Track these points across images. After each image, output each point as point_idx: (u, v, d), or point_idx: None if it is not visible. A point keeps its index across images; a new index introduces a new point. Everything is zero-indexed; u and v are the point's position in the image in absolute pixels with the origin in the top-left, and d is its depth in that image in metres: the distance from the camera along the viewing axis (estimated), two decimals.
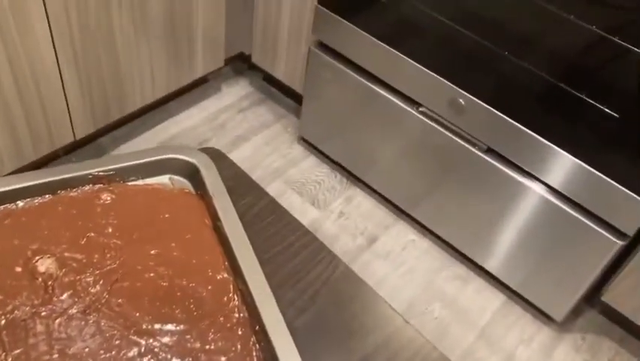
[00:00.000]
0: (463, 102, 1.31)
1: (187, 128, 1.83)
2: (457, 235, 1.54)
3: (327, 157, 1.76)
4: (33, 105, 1.36)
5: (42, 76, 1.34)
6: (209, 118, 1.88)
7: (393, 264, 1.55)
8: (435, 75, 1.33)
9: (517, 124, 1.25)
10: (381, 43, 1.39)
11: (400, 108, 1.45)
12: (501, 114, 1.26)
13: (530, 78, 1.20)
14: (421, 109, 1.41)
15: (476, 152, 1.35)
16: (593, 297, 1.45)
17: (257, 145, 1.82)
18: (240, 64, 2.05)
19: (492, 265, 1.49)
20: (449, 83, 1.31)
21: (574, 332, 1.46)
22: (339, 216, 1.66)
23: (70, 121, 1.49)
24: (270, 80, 2.00)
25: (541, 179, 1.28)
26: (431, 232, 1.61)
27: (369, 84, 1.48)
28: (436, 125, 1.40)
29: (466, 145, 1.36)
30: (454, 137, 1.38)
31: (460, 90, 1.30)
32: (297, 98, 1.85)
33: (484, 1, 1.22)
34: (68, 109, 1.45)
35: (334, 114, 1.63)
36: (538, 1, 1.14)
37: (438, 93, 1.35)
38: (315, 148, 1.79)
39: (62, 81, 1.39)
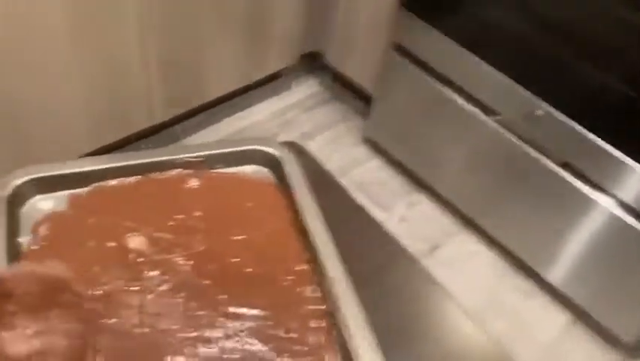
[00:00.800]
0: (541, 113, 1.28)
1: (255, 122, 1.86)
2: (524, 248, 1.50)
3: (392, 160, 1.76)
4: (115, 88, 1.42)
5: (125, 59, 1.38)
6: (277, 114, 1.91)
7: (455, 273, 1.53)
8: (515, 83, 1.30)
9: (595, 137, 1.21)
10: (463, 49, 1.37)
11: (475, 116, 1.42)
12: (579, 127, 1.23)
13: (611, 92, 1.17)
14: (497, 117, 1.39)
15: (551, 164, 1.31)
16: None
17: (322, 144, 1.83)
18: (312, 62, 2.06)
19: (559, 280, 1.45)
20: (529, 93, 1.29)
21: None
22: (400, 220, 1.65)
23: (148, 106, 1.54)
24: (339, 80, 2.01)
25: (617, 195, 1.24)
26: (496, 243, 1.58)
27: (446, 90, 1.46)
28: (510, 135, 1.37)
29: (541, 157, 1.33)
30: (529, 147, 1.34)
31: (539, 100, 1.27)
32: (364, 99, 1.85)
33: (569, 12, 1.19)
34: (147, 94, 1.50)
35: (405, 117, 1.63)
36: (625, 13, 1.10)
37: (516, 102, 1.32)
38: (380, 150, 1.78)
39: (144, 66, 1.44)
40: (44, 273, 0.59)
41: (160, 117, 1.59)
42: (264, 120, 1.88)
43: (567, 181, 1.30)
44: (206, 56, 1.57)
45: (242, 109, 1.89)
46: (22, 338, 0.53)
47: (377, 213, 1.63)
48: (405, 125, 1.64)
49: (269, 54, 1.75)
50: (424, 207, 1.68)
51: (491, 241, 1.59)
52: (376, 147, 1.79)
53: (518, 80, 1.30)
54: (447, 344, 0.64)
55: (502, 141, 1.39)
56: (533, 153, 1.34)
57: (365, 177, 1.73)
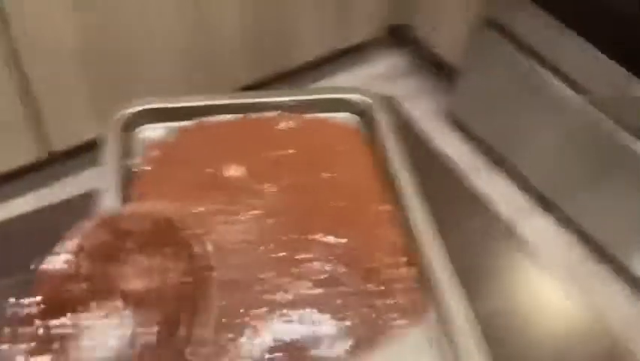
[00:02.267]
0: (637, 92, 1.24)
1: None
2: (606, 233, 1.46)
3: (473, 136, 1.75)
4: (207, 48, 1.49)
5: (219, 21, 1.45)
6: (359, 84, 1.93)
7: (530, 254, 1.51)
8: (612, 62, 1.27)
9: None
10: (560, 24, 1.35)
11: (566, 94, 1.40)
12: None
13: None
14: (589, 97, 1.36)
15: None
16: None
17: None
18: (399, 35, 2.07)
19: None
20: (627, 72, 1.25)
21: None
22: None
23: (235, 68, 1.60)
24: (424, 53, 2.01)
25: None
26: (577, 227, 1.54)
27: (538, 67, 1.44)
28: (602, 116, 1.34)
29: (634, 140, 1.29)
30: (620, 130, 1.31)
31: (636, 77, 1.23)
32: (448, 72, 1.84)
33: None
34: (235, 57, 1.57)
35: (491, 93, 1.61)
36: None
37: (612, 81, 1.29)
38: (461, 126, 1.78)
39: (235, 29, 1.50)
40: (159, 213, 0.62)
41: (244, 81, 1.66)
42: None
43: None
44: (293, 21, 1.61)
45: (326, 77, 1.93)
46: (138, 275, 0.56)
47: None
48: (490, 101, 1.63)
49: (356, 24, 1.78)
50: (503, 185, 1.67)
51: (571, 225, 1.55)
52: (458, 123, 1.79)
53: (614, 57, 1.26)
54: (528, 293, 0.66)
55: (593, 121, 1.36)
56: (625, 136, 1.30)
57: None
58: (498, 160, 1.70)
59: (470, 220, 0.72)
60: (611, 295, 1.44)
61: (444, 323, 0.59)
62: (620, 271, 1.47)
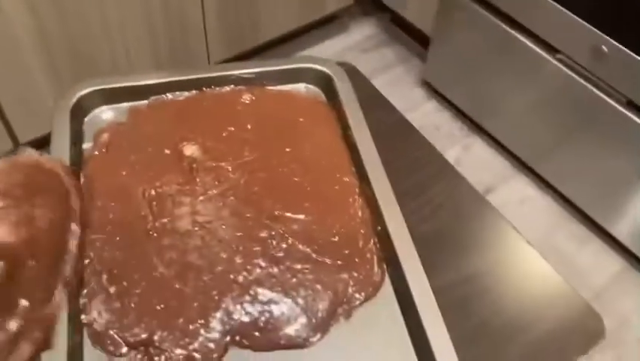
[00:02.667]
0: (606, 49, 1.23)
1: None
2: (582, 194, 1.46)
3: (449, 103, 1.73)
4: (174, 26, 1.45)
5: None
6: (334, 56, 1.90)
7: (509, 217, 1.50)
8: (578, 19, 1.25)
9: None
10: None
11: (537, 55, 1.38)
12: None
13: None
14: (558, 56, 1.34)
15: (615, 104, 1.26)
16: None
17: (379, 86, 1.80)
18: (369, 3, 2.03)
19: (616, 228, 1.41)
20: (593, 29, 1.23)
21: None
22: (455, 163, 1.61)
23: (207, 46, 1.57)
24: (397, 21, 1.98)
25: None
26: (552, 188, 1.54)
27: (506, 27, 1.42)
28: (573, 74, 1.32)
29: (605, 97, 1.28)
30: (592, 87, 1.29)
31: (605, 36, 1.21)
32: (423, 41, 1.81)
33: None
34: (205, 33, 1.53)
35: (463, 58, 1.59)
36: None
37: (580, 39, 1.27)
38: (438, 93, 1.76)
39: (203, 4, 1.46)
40: (31, 164, 0.59)
41: (217, 57, 1.62)
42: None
43: (631, 121, 1.25)
44: None
45: (298, 50, 1.90)
46: (8, 229, 0.54)
47: None
48: (463, 67, 1.61)
49: None
50: (479, 150, 1.66)
51: (547, 187, 1.55)
52: (434, 90, 1.77)
53: (581, 14, 1.24)
54: (494, 253, 0.65)
55: (565, 81, 1.34)
56: (596, 93, 1.29)
57: (421, 121, 1.72)
58: (474, 126, 1.69)
59: (439, 187, 0.71)
60: (589, 255, 1.45)
61: (404, 296, 0.57)
62: (598, 231, 1.47)
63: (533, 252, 0.65)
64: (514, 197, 1.56)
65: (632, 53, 1.18)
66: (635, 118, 1.24)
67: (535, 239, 1.45)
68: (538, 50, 1.37)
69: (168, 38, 1.46)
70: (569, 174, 1.48)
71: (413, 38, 1.94)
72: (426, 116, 1.74)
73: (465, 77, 1.62)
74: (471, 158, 1.64)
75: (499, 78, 1.51)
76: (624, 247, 1.42)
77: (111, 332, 0.55)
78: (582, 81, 1.31)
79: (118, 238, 0.60)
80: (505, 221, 0.68)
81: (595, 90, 1.29)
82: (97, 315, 0.55)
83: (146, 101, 0.74)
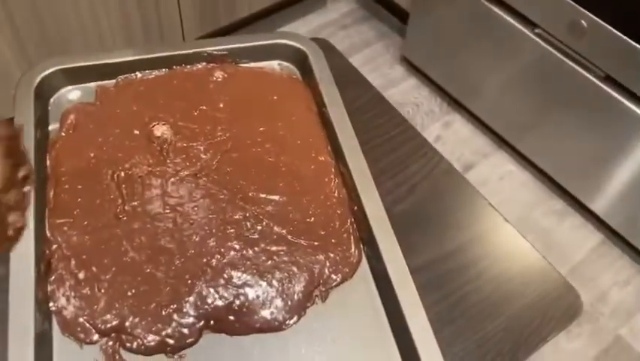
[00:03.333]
0: (585, 24, 1.22)
1: None
2: (561, 169, 1.47)
3: (429, 79, 1.72)
4: (147, 3, 1.41)
5: None
6: (312, 32, 1.87)
7: (489, 193, 1.48)
8: None
9: None
10: None
11: (515, 29, 1.36)
12: (625, 38, 1.16)
13: None
14: (537, 30, 1.33)
15: (593, 79, 1.26)
16: None
17: (358, 63, 1.77)
18: None
19: (594, 202, 1.42)
20: (572, 3, 1.22)
21: None
22: (435, 140, 1.62)
23: (181, 24, 1.53)
24: None
25: None
26: (532, 164, 1.55)
27: (484, 1, 1.40)
28: (551, 49, 1.31)
29: (583, 71, 1.27)
30: (570, 62, 1.29)
31: (584, 10, 1.20)
32: (402, 17, 1.79)
33: None
34: (180, 11, 1.49)
35: (442, 34, 1.57)
36: None
37: (558, 13, 1.26)
38: (417, 69, 1.74)
39: None
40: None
41: (192, 36, 1.58)
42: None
43: (613, 99, 1.24)
44: None
45: (276, 27, 1.86)
46: None
47: None
48: (442, 43, 1.59)
49: None
50: (459, 127, 1.65)
51: (527, 162, 1.56)
52: (413, 67, 1.75)
53: None
54: (472, 231, 0.64)
55: (543, 56, 1.33)
56: (575, 68, 1.28)
57: (400, 98, 1.70)
58: (454, 103, 1.68)
59: (416, 166, 0.69)
60: (567, 230, 1.45)
61: (381, 276, 0.56)
62: (577, 206, 1.48)
63: (511, 229, 0.65)
64: (494, 173, 1.56)
65: (610, 28, 1.17)
66: (613, 93, 1.24)
67: (514, 214, 1.46)
68: (516, 24, 1.36)
69: (141, 15, 1.42)
70: (548, 150, 1.48)
71: (392, 14, 1.91)
72: (406, 93, 1.73)
73: (444, 53, 1.60)
74: (451, 135, 1.63)
75: (478, 54, 1.50)
76: (603, 221, 1.43)
77: (81, 320, 0.53)
78: (560, 56, 1.30)
79: (86, 223, 0.59)
80: (482, 199, 0.67)
81: (573, 65, 1.28)
82: (65, 302, 0.54)
83: (114, 81, 0.71)
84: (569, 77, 1.30)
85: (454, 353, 0.55)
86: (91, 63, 0.70)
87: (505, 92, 1.49)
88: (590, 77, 1.26)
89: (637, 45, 1.15)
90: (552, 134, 1.43)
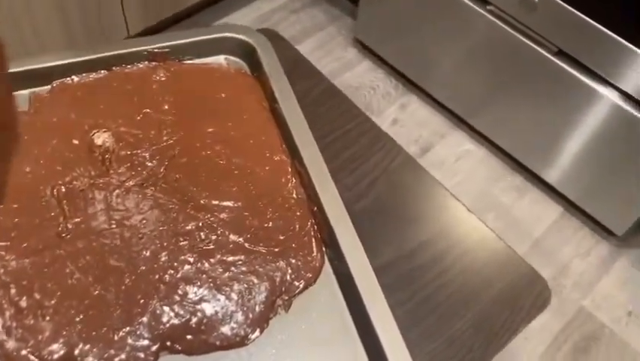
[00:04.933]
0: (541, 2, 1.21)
1: None
2: (518, 145, 1.47)
3: (383, 61, 1.69)
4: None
5: None
6: (262, 18, 1.82)
7: (448, 173, 1.51)
8: None
9: (593, 23, 1.14)
10: None
11: (467, 6, 1.35)
12: (576, 12, 1.16)
13: None
14: (489, 7, 1.31)
15: (545, 54, 1.26)
16: None
17: (310, 47, 1.76)
18: None
19: (552, 176, 1.43)
20: None
21: (634, 248, 1.41)
22: (393, 123, 1.61)
23: (124, 16, 1.46)
24: None
25: (616, 84, 1.19)
26: (489, 141, 1.55)
27: None
28: (503, 25, 1.30)
29: (536, 47, 1.27)
30: (522, 38, 1.28)
31: None
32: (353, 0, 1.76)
33: None
34: (122, 3, 1.42)
35: (393, 14, 1.55)
36: None
37: None
38: (371, 52, 1.71)
39: None
40: None
41: (136, 28, 1.51)
42: (249, 26, 1.79)
43: (565, 73, 1.25)
44: None
45: (225, 15, 1.81)
46: None
47: None
48: (394, 23, 1.56)
49: None
50: (416, 108, 1.64)
51: (484, 140, 1.56)
52: (367, 48, 1.72)
53: None
54: (436, 224, 0.62)
55: (496, 32, 1.32)
56: (527, 43, 1.28)
57: (356, 81, 1.68)
58: (409, 84, 1.66)
59: (374, 159, 0.67)
60: (527, 205, 1.47)
61: (345, 279, 0.54)
62: (535, 180, 1.49)
63: (474, 220, 0.63)
64: (452, 153, 1.55)
65: (561, 2, 1.17)
66: (566, 67, 1.24)
67: (474, 193, 1.46)
68: (468, 2, 1.34)
69: (81, 12, 1.35)
70: (504, 127, 1.48)
71: None
72: (361, 76, 1.70)
73: (397, 33, 1.58)
74: (408, 117, 1.62)
75: (430, 33, 1.48)
76: (561, 194, 1.45)
77: (24, 352, 0.49)
78: (513, 32, 1.29)
79: (25, 245, 0.54)
80: (443, 189, 0.65)
81: (525, 40, 1.28)
82: (6, 334, 0.50)
83: (48, 87, 0.66)
84: (522, 53, 1.30)
85: (424, 354, 0.53)
86: (22, 69, 0.65)
87: (459, 70, 1.48)
88: (543, 52, 1.26)
89: (587, 18, 1.15)
90: (507, 111, 1.44)
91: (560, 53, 1.24)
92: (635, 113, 1.18)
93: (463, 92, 1.51)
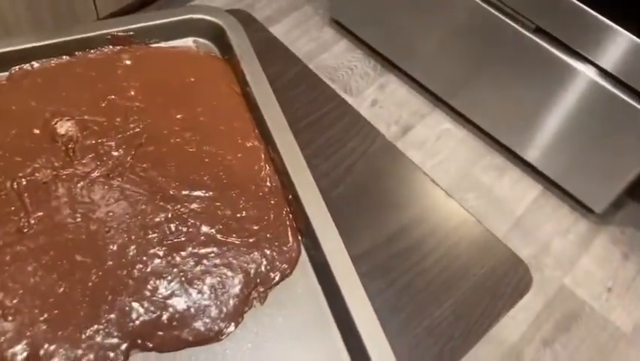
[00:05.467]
0: None
1: None
2: (497, 124, 1.47)
3: (361, 41, 1.67)
4: None
5: None
6: (234, 2, 1.78)
7: (428, 153, 1.50)
8: None
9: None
10: None
11: None
12: None
13: None
14: None
15: (523, 31, 1.24)
16: (636, 190, 1.39)
17: (286, 28, 1.72)
18: None
19: (531, 154, 1.43)
20: None
21: (613, 225, 1.42)
22: (372, 104, 1.59)
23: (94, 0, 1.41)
24: None
25: (594, 61, 1.18)
26: (469, 121, 1.54)
27: None
28: (482, 3, 1.28)
29: (513, 24, 1.25)
30: (500, 15, 1.26)
31: None
32: None
33: None
34: None
35: None
36: None
37: None
38: (348, 31, 1.69)
39: None
40: None
41: (106, 10, 1.46)
42: (222, 5, 1.75)
43: (543, 50, 1.23)
44: None
45: None
46: None
47: (347, 99, 1.57)
48: (371, 3, 1.54)
49: None
50: (395, 88, 1.62)
51: (464, 120, 1.54)
52: (344, 28, 1.69)
53: None
54: (414, 209, 0.60)
55: (473, 10, 1.30)
56: (505, 21, 1.26)
57: (333, 62, 1.65)
58: (388, 64, 1.64)
59: (351, 144, 0.65)
60: (508, 184, 1.46)
61: (322, 269, 0.52)
62: (515, 159, 1.48)
63: (454, 204, 0.61)
64: (432, 133, 1.54)
65: None
66: (544, 44, 1.23)
67: (454, 173, 1.45)
68: None
69: None
70: (483, 106, 1.47)
71: None
72: (338, 57, 1.67)
73: (374, 12, 1.55)
74: (387, 97, 1.60)
75: (407, 12, 1.45)
76: (541, 173, 1.45)
77: None
78: (491, 10, 1.27)
79: None
80: (422, 174, 0.63)
81: (504, 18, 1.26)
82: None
83: (6, 73, 0.63)
84: (500, 30, 1.28)
85: (404, 343, 0.52)
86: None
87: (436, 50, 1.46)
88: (521, 30, 1.25)
89: None
90: (486, 90, 1.42)
91: (538, 31, 1.23)
92: (613, 89, 1.18)
93: (442, 71, 1.50)
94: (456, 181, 1.45)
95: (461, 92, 1.49)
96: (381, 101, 1.59)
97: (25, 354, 0.47)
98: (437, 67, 1.50)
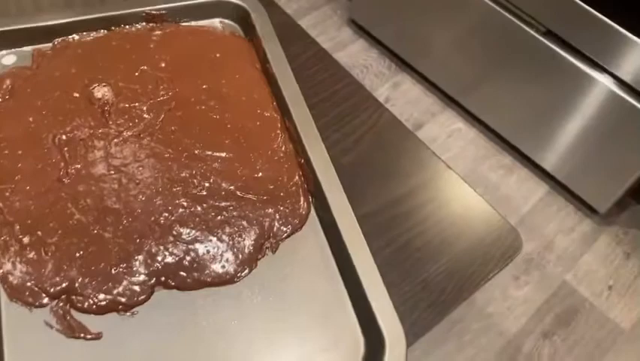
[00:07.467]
0: None
1: None
2: (507, 125, 1.51)
3: (377, 41, 1.72)
4: None
5: None
6: None
7: (438, 150, 1.52)
8: None
9: (579, 2, 1.17)
10: None
11: None
12: None
13: None
14: None
15: (534, 34, 1.29)
16: (639, 192, 1.42)
17: (305, 26, 1.76)
18: None
19: (539, 155, 1.47)
20: None
21: (616, 225, 1.45)
22: (385, 101, 1.64)
23: None
24: None
25: (602, 65, 1.22)
26: (479, 121, 1.58)
27: None
28: (495, 6, 1.33)
29: (525, 27, 1.30)
30: (513, 18, 1.31)
31: None
32: None
33: None
34: None
35: None
36: None
37: None
38: (365, 32, 1.74)
39: None
40: None
41: None
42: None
43: (555, 54, 1.27)
44: None
45: None
46: None
47: None
48: (389, 4, 1.59)
49: None
50: (408, 87, 1.67)
51: (474, 120, 1.59)
52: (361, 29, 1.75)
53: None
54: (417, 178, 0.65)
55: (487, 13, 1.35)
56: (517, 23, 1.31)
57: (349, 61, 1.71)
58: (402, 64, 1.69)
59: (361, 118, 0.70)
60: (515, 183, 1.50)
61: (329, 226, 0.58)
62: (523, 160, 1.53)
63: (454, 175, 0.67)
64: (443, 131, 1.59)
65: None
66: (554, 47, 1.27)
67: (463, 170, 1.50)
68: None
69: None
70: (494, 107, 1.51)
71: None
72: (354, 55, 1.73)
73: (391, 14, 1.61)
74: (400, 96, 1.65)
75: (423, 14, 1.51)
76: (548, 173, 1.49)
77: (29, 284, 0.53)
78: (503, 12, 1.32)
79: (29, 187, 0.57)
80: (426, 148, 0.68)
81: (516, 21, 1.31)
82: (11, 267, 0.53)
83: (50, 44, 0.69)
84: (512, 33, 1.33)
85: (400, 294, 0.57)
86: (26, 26, 0.68)
87: (450, 51, 1.51)
88: (532, 33, 1.29)
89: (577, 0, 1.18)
90: (498, 91, 1.47)
91: (549, 34, 1.28)
92: (622, 94, 1.21)
93: (454, 72, 1.54)
94: (464, 177, 1.49)
95: (473, 93, 1.54)
96: (393, 99, 1.64)
97: (63, 285, 0.53)
98: (450, 67, 1.55)
